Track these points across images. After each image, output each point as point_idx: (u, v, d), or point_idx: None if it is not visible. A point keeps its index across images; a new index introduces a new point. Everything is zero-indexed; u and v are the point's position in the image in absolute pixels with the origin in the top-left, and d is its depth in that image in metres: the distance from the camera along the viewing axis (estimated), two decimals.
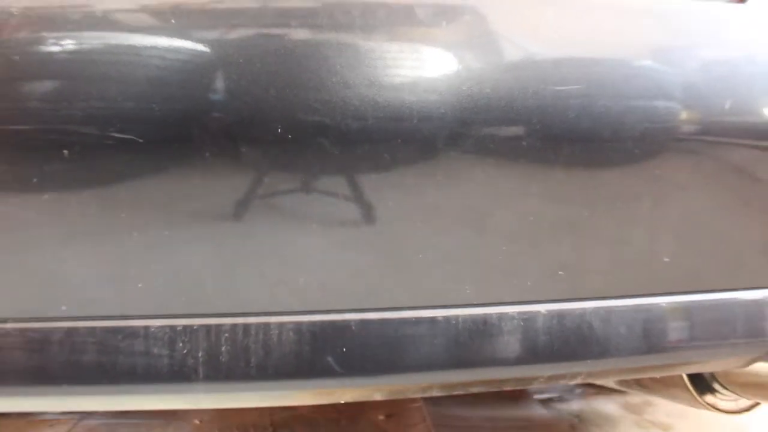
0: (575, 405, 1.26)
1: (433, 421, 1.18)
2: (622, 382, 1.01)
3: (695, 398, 0.87)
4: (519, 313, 0.56)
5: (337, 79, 0.48)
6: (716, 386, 0.83)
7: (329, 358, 0.53)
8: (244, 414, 1.22)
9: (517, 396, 1.31)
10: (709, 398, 0.86)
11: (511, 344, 0.56)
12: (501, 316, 0.55)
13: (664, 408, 1.23)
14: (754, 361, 0.67)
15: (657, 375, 0.85)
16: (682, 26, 0.59)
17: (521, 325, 0.56)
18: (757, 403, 0.90)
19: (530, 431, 1.15)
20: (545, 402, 1.28)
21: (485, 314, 0.55)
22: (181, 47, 0.48)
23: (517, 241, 0.56)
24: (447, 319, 0.54)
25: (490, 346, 0.56)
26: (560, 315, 0.56)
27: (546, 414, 1.21)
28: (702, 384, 0.84)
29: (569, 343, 0.57)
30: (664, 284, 0.59)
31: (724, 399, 0.84)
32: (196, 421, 1.18)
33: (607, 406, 1.25)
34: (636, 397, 1.29)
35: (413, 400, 1.29)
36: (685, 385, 0.86)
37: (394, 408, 1.25)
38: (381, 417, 1.21)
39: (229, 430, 1.15)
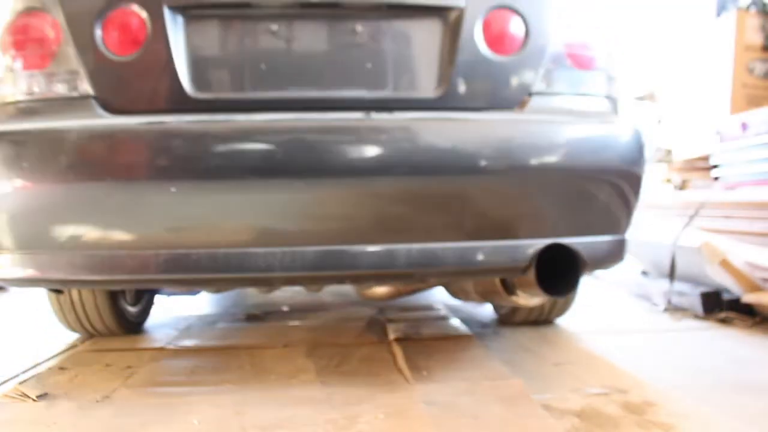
0: (576, 405, 1.25)
1: (433, 421, 1.18)
2: (481, 295, 1.79)
3: (506, 297, 1.59)
4: (404, 247, 1.31)
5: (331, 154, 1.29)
6: (517, 290, 1.51)
7: (324, 265, 1.29)
8: (244, 415, 1.22)
9: (518, 396, 1.31)
10: (513, 297, 1.57)
11: (395, 265, 1.31)
12: (396, 249, 1.31)
13: (666, 408, 1.21)
14: (515, 274, 1.42)
15: (464, 280, 1.78)
16: (477, 127, 1.36)
17: (405, 253, 1.30)
18: (541, 299, 1.62)
19: (531, 431, 1.14)
20: (546, 402, 1.27)
21: (389, 248, 1.31)
22: (263, 144, 1.29)
23: (406, 217, 1.32)
24: (369, 251, 1.31)
25: (388, 266, 1.32)
26: (419, 249, 1.32)
27: (546, 414, 1.20)
28: (510, 289, 1.55)
29: (422, 264, 1.33)
30: (464, 237, 1.34)
31: (521, 297, 1.54)
32: (195, 422, 1.19)
33: (608, 406, 1.24)
34: (637, 398, 1.28)
35: (414, 400, 1.29)
36: (501, 291, 1.59)
37: (393, 408, 1.25)
38: (380, 416, 1.20)
39: (227, 428, 1.15)
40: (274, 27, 1.38)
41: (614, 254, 1.49)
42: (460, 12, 1.40)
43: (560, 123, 1.41)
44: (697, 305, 2.19)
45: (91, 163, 1.29)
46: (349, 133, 1.31)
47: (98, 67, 1.35)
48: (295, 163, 1.27)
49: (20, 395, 1.34)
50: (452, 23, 1.41)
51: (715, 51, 3.01)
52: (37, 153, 1.29)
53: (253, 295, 3.18)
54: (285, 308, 2.56)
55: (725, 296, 2.17)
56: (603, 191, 1.44)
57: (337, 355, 1.71)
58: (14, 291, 3.18)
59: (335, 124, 1.31)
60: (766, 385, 1.43)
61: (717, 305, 2.16)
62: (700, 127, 3.04)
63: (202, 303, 2.82)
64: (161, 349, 1.81)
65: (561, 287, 1.34)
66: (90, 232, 1.30)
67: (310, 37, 1.41)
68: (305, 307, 2.59)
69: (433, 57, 1.41)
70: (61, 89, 1.36)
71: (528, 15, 1.44)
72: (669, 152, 3.43)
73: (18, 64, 1.37)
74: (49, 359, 1.73)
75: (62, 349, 1.86)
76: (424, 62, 1.42)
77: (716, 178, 2.64)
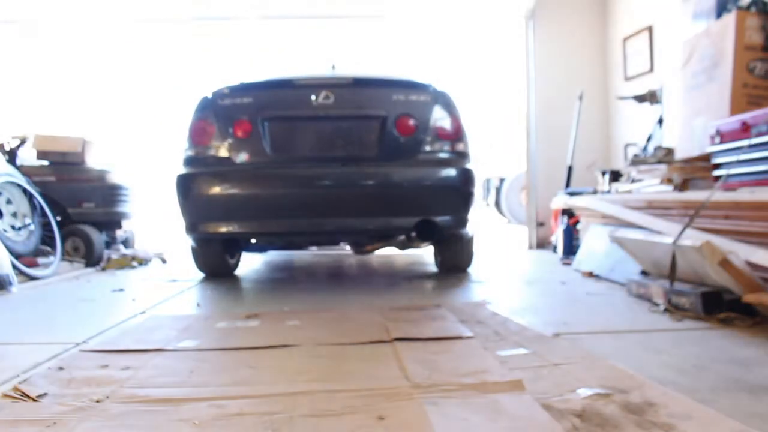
0: (576, 405, 1.25)
1: (434, 421, 1.17)
2: (403, 245, 3.73)
3: (409, 244, 3.64)
4: (362, 220, 3.18)
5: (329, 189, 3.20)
6: (412, 240, 3.39)
7: (330, 228, 3.20)
8: (245, 416, 1.22)
9: (518, 396, 1.31)
10: (411, 243, 3.58)
11: (361, 227, 3.21)
12: (359, 220, 3.17)
13: (666, 408, 1.21)
14: (409, 232, 3.23)
15: (388, 233, 3.48)
16: (394, 169, 3.21)
17: (364, 222, 3.23)
18: (425, 244, 3.74)
19: (531, 431, 1.14)
20: (546, 402, 1.27)
21: (356, 220, 3.16)
22: (300, 177, 3.19)
23: (363, 207, 3.14)
24: (349, 221, 3.16)
25: (358, 227, 3.23)
26: (369, 220, 3.17)
27: (546, 414, 1.20)
28: (410, 240, 3.43)
29: (373, 226, 3.22)
30: (388, 215, 3.17)
31: (415, 243, 3.58)
32: (195, 422, 1.19)
33: (608, 406, 1.24)
34: (637, 398, 1.28)
35: (412, 399, 1.29)
36: (407, 241, 3.54)
37: (393, 408, 1.25)
38: (381, 415, 1.20)
39: (226, 428, 1.15)
40: (306, 125, 3.22)
41: (456, 224, 3.23)
42: (385, 117, 3.14)
43: (433, 166, 3.20)
44: (698, 305, 2.19)
45: (231, 184, 3.17)
46: (336, 173, 3.13)
47: (231, 144, 3.15)
48: (313, 185, 3.11)
49: (20, 395, 1.33)
50: (381, 122, 3.15)
51: (715, 51, 3.01)
52: (210, 180, 3.16)
53: (253, 295, 3.17)
54: (285, 308, 2.56)
55: (725, 296, 2.17)
56: (449, 196, 3.21)
57: (338, 355, 1.71)
58: (17, 292, 3.18)
59: (329, 169, 3.13)
60: (766, 385, 1.43)
61: (717, 305, 2.16)
62: (700, 127, 3.04)
63: (202, 303, 2.82)
64: (160, 349, 1.81)
65: (429, 238, 3.29)
66: (239, 213, 3.16)
67: (320, 130, 3.21)
68: (305, 307, 2.59)
69: (373, 138, 3.16)
70: (214, 153, 3.16)
71: (417, 117, 3.17)
72: (669, 152, 3.42)
73: (196, 142, 3.19)
74: (49, 359, 1.73)
75: (62, 349, 1.86)
76: (369, 140, 3.17)
77: (716, 178, 2.63)
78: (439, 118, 3.18)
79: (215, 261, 3.70)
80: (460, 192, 3.20)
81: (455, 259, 3.73)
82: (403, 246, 3.67)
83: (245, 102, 3.17)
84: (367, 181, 3.12)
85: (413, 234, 3.12)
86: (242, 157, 3.14)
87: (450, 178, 3.19)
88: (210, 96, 3.21)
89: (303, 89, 3.15)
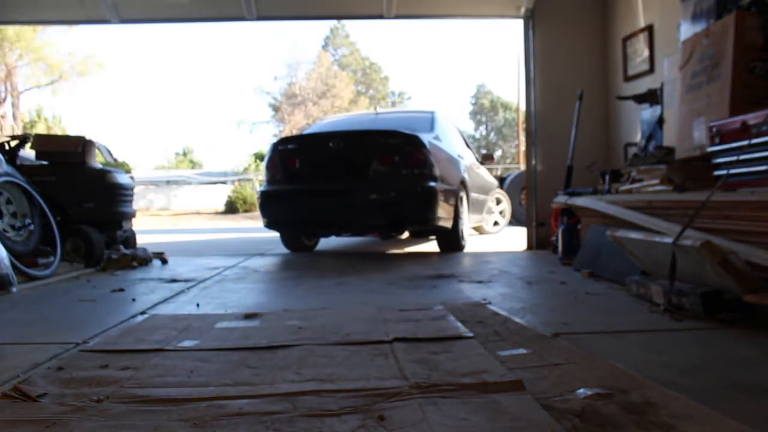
0: (576, 405, 1.25)
1: (434, 422, 1.17)
2: (393, 234, 5.72)
3: (392, 235, 5.72)
4: (357, 218, 5.21)
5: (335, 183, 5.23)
6: (392, 231, 5.45)
7: (340, 221, 5.22)
8: (245, 416, 1.22)
9: (518, 396, 1.30)
10: (393, 233, 5.59)
11: (358, 223, 5.28)
12: (356, 218, 5.20)
13: (666, 408, 1.21)
14: (388, 225, 5.28)
15: (374, 227, 5.42)
16: (381, 182, 5.18)
17: (359, 218, 5.21)
18: (402, 234, 6.24)
19: (531, 431, 1.14)
20: (546, 402, 1.27)
21: (354, 219, 5.22)
22: (316, 190, 5.20)
23: (354, 210, 5.20)
24: (350, 219, 5.18)
25: (356, 223, 5.32)
26: (360, 216, 5.23)
27: (546, 414, 1.20)
28: (392, 231, 5.48)
29: (365, 222, 5.24)
30: (372, 214, 5.06)
31: (396, 233, 5.61)
32: (195, 422, 1.19)
33: (608, 406, 1.24)
34: (637, 398, 1.28)
35: (412, 399, 1.29)
36: (389, 233, 5.64)
37: (393, 409, 1.25)
38: (381, 415, 1.20)
39: (226, 429, 1.15)
40: (326, 160, 5.11)
41: (422, 221, 4.90)
42: (375, 153, 5.01)
43: (405, 183, 4.90)
44: (698, 305, 2.19)
45: (286, 195, 5.21)
46: (343, 189, 5.02)
47: (286, 172, 5.25)
48: (329, 196, 5.05)
49: (20, 395, 1.33)
50: (373, 156, 5.00)
51: (715, 51, 3.00)
52: (276, 193, 5.26)
53: (253, 296, 3.18)
54: (284, 308, 2.56)
55: (725, 296, 2.17)
56: (416, 202, 4.87)
57: (337, 354, 1.71)
58: (17, 292, 3.18)
59: (339, 186, 5.03)
60: (766, 385, 1.43)
61: (717, 305, 2.16)
62: (699, 127, 3.04)
63: (202, 303, 2.82)
64: (160, 349, 1.81)
65: (402, 229, 5.29)
66: (290, 212, 5.23)
67: (335, 162, 5.08)
68: (305, 307, 2.59)
69: (368, 166, 5.00)
70: (278, 178, 5.29)
71: (395, 152, 4.93)
72: (669, 152, 3.42)
73: (272, 171, 5.31)
74: (49, 359, 1.73)
75: (62, 349, 1.86)
76: (365, 168, 5.00)
77: (716, 178, 2.63)
78: (409, 152, 4.88)
79: (294, 242, 5.82)
80: (424, 199, 4.81)
81: (447, 245, 5.56)
82: (398, 233, 5.50)
83: (292, 147, 5.35)
84: (363, 192, 4.88)
85: (392, 226, 4.99)
86: (292, 180, 5.17)
87: (416, 191, 4.82)
88: (275, 143, 5.37)
89: (324, 139, 5.26)
